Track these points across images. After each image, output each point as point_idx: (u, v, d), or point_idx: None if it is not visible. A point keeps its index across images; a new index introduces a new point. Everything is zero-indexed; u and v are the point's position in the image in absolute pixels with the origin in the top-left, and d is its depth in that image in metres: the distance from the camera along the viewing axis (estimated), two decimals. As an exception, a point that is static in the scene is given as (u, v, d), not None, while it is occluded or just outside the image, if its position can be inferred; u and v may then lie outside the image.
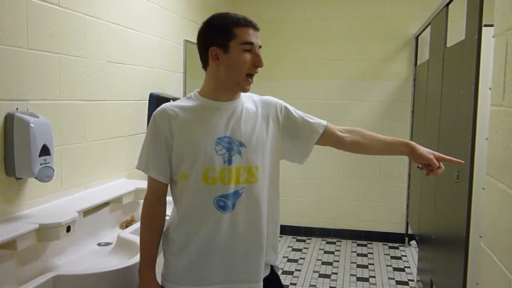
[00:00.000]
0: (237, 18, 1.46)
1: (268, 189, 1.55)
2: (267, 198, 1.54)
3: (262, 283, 1.55)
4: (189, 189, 1.48)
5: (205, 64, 1.53)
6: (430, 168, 1.57)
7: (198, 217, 1.48)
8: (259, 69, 1.50)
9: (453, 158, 1.60)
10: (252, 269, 1.52)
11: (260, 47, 1.49)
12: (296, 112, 1.64)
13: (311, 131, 1.61)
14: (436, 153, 1.57)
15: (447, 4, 2.68)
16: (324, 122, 1.64)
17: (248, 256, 1.51)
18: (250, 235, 1.51)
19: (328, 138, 1.63)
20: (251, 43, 1.46)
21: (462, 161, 1.65)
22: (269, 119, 1.57)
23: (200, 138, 1.46)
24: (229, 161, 1.47)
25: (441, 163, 1.57)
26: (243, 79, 1.47)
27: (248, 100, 1.59)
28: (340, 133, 1.64)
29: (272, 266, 1.64)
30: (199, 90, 1.57)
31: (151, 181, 1.53)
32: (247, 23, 1.46)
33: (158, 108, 1.53)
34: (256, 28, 1.48)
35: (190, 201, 1.49)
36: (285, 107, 1.63)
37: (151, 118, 1.53)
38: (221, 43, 1.45)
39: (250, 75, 1.48)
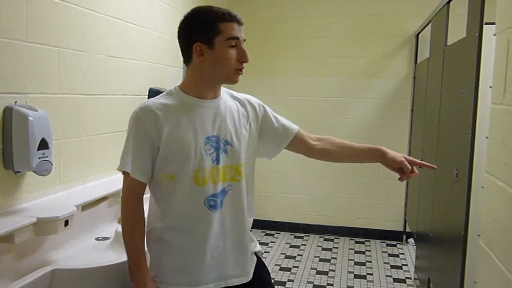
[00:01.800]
0: (222, 13, 1.43)
1: (247, 185, 1.57)
2: (246, 193, 1.56)
3: (250, 275, 1.57)
4: (178, 190, 1.45)
5: (187, 60, 1.49)
6: (403, 171, 1.57)
7: (191, 218, 1.47)
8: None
9: (425, 163, 1.65)
10: (240, 263, 1.55)
11: (244, 40, 1.47)
12: (272, 113, 1.68)
13: (284, 133, 1.66)
14: (408, 157, 1.59)
15: (448, 2, 2.67)
16: (296, 127, 1.68)
17: (235, 251, 1.54)
18: (235, 231, 1.53)
19: (299, 144, 1.67)
20: (237, 38, 1.43)
21: (435, 166, 1.70)
22: (249, 117, 1.59)
23: (190, 139, 1.44)
24: (217, 161, 1.47)
25: (414, 168, 1.57)
26: (232, 73, 1.46)
27: (227, 96, 1.58)
28: (311, 141, 1.68)
29: (255, 253, 1.67)
30: (179, 85, 1.53)
31: (131, 181, 1.45)
32: (232, 18, 1.43)
33: (141, 106, 1.45)
34: (240, 23, 1.45)
35: (181, 203, 1.46)
36: (263, 106, 1.66)
37: (133, 116, 1.44)
38: (206, 39, 1.42)
39: (239, 69, 1.46)
